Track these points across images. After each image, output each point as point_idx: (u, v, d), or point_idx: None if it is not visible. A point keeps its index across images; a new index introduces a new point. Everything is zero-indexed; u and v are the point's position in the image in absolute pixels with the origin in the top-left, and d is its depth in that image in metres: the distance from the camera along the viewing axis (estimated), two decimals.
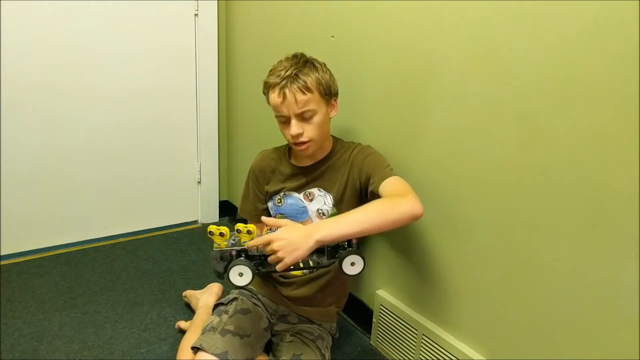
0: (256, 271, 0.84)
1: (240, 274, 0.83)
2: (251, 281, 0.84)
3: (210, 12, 1.84)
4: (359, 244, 0.88)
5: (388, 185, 0.94)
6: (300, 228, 0.84)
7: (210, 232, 0.86)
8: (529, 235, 0.83)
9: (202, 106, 1.92)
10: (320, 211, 1.09)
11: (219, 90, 1.95)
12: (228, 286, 1.26)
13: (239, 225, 0.86)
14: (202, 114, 1.93)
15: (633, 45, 0.65)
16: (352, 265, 0.86)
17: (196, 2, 1.80)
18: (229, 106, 2.00)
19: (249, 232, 0.86)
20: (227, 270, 0.83)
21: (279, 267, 0.82)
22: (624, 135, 0.67)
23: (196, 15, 1.81)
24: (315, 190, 1.10)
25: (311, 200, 1.10)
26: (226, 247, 0.87)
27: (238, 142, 1.99)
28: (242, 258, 0.85)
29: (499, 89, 0.85)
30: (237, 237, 0.87)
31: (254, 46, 1.73)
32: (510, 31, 0.82)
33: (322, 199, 1.09)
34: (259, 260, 0.87)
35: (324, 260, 0.87)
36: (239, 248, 0.86)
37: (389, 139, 1.13)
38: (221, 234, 0.86)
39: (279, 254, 0.81)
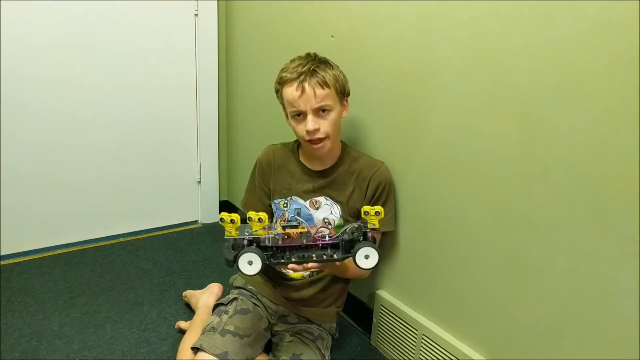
0: (267, 262, 0.82)
1: (250, 262, 0.81)
2: (260, 271, 0.81)
3: (210, 12, 1.84)
4: (374, 238, 0.86)
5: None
6: None
7: (221, 219, 0.84)
8: (528, 235, 0.83)
9: (202, 106, 1.92)
10: (326, 220, 1.08)
11: (219, 90, 1.95)
12: (228, 286, 1.26)
13: (251, 213, 0.84)
14: (202, 113, 1.93)
15: (633, 45, 0.65)
16: (366, 258, 0.83)
17: (196, 2, 1.80)
18: (229, 106, 2.00)
19: (260, 219, 0.83)
20: (236, 258, 0.81)
21: None
22: (624, 135, 0.67)
23: (196, 15, 1.81)
24: (322, 199, 1.10)
25: (317, 208, 1.09)
26: (238, 235, 0.84)
27: (238, 142, 1.99)
28: (253, 247, 0.83)
29: (499, 89, 0.85)
30: (249, 225, 0.85)
31: (254, 46, 1.73)
32: (510, 31, 0.82)
33: (328, 208, 1.09)
34: (271, 252, 0.85)
35: (339, 254, 0.86)
36: (250, 237, 0.84)
37: (389, 139, 1.13)
38: (232, 221, 0.83)
39: None
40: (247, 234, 0.84)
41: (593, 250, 0.73)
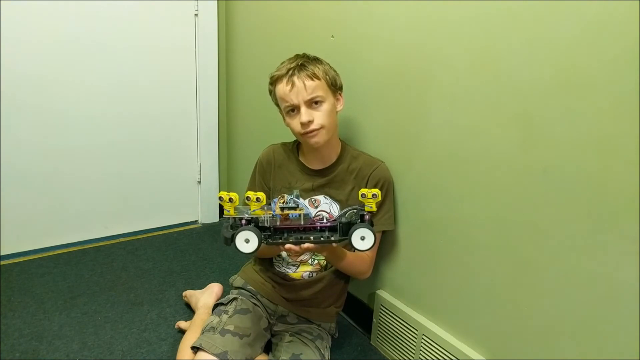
0: (264, 241, 0.83)
1: (247, 241, 0.82)
2: (257, 249, 0.81)
3: (210, 12, 1.84)
4: (371, 220, 0.86)
5: None
6: None
7: (220, 197, 0.84)
8: (528, 235, 0.83)
9: (202, 106, 1.92)
10: None
11: (219, 90, 1.95)
12: (228, 286, 1.26)
13: (249, 193, 0.84)
14: (202, 113, 1.93)
15: (633, 45, 0.65)
16: (362, 239, 0.83)
17: (196, 2, 1.80)
18: (229, 106, 2.00)
19: (258, 199, 0.84)
20: (234, 236, 0.82)
21: None
22: (624, 135, 0.67)
23: (196, 15, 1.81)
24: (321, 198, 1.10)
25: (316, 207, 1.10)
26: (236, 214, 0.85)
27: (238, 142, 1.99)
28: (251, 226, 0.83)
29: (499, 89, 0.85)
30: (247, 205, 0.86)
31: (254, 46, 1.73)
32: (510, 30, 0.82)
33: (327, 207, 1.09)
34: (269, 232, 0.85)
35: (336, 236, 0.86)
36: (249, 216, 0.84)
37: (389, 138, 1.13)
38: (230, 200, 0.84)
39: None
40: (245, 214, 0.85)
41: (593, 250, 0.73)
